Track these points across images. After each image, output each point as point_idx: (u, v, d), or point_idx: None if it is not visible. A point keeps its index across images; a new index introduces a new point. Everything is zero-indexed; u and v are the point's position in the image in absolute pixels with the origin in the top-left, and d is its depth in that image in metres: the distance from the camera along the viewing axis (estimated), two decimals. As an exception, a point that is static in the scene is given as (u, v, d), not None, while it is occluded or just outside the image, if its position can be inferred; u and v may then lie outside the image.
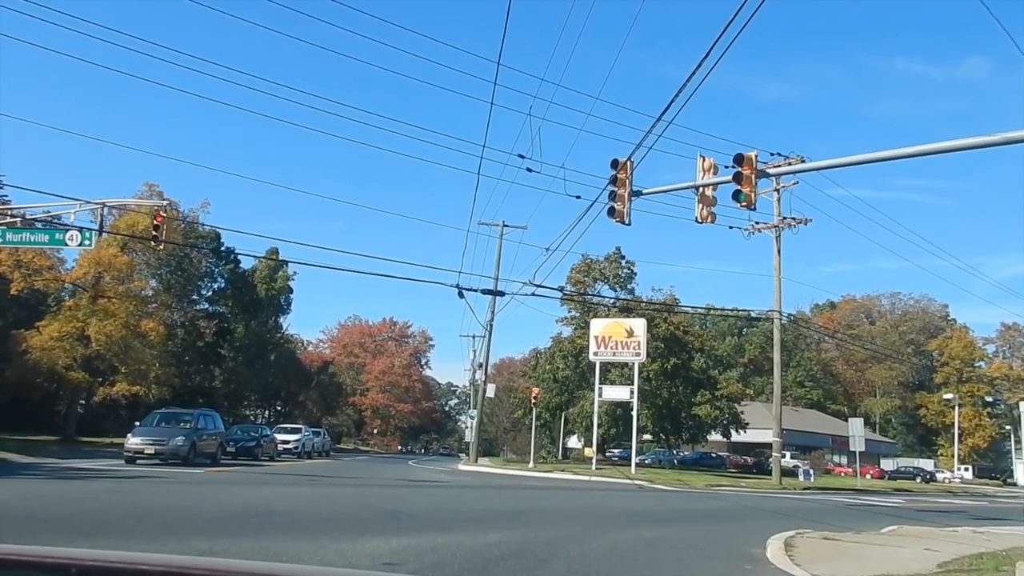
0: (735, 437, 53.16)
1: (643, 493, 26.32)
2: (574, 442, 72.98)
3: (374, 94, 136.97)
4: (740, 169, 16.83)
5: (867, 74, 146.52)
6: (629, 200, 18.95)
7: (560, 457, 61.81)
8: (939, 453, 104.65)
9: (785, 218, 36.46)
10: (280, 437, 41.07)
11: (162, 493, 14.57)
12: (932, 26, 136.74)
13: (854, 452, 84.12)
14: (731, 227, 37.53)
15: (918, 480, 75.08)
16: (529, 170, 26.10)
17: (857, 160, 18.20)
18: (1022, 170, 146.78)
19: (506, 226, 41.34)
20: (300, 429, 44.72)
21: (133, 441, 25.65)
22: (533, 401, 40.29)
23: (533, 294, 27.10)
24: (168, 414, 28.67)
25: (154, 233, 21.32)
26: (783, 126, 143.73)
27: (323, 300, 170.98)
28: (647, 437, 52.72)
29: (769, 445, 70.07)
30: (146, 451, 25.31)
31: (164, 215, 21.47)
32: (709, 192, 18.76)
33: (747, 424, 51.24)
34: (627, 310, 42.99)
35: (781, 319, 36.57)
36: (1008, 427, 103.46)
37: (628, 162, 18.99)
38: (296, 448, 41.57)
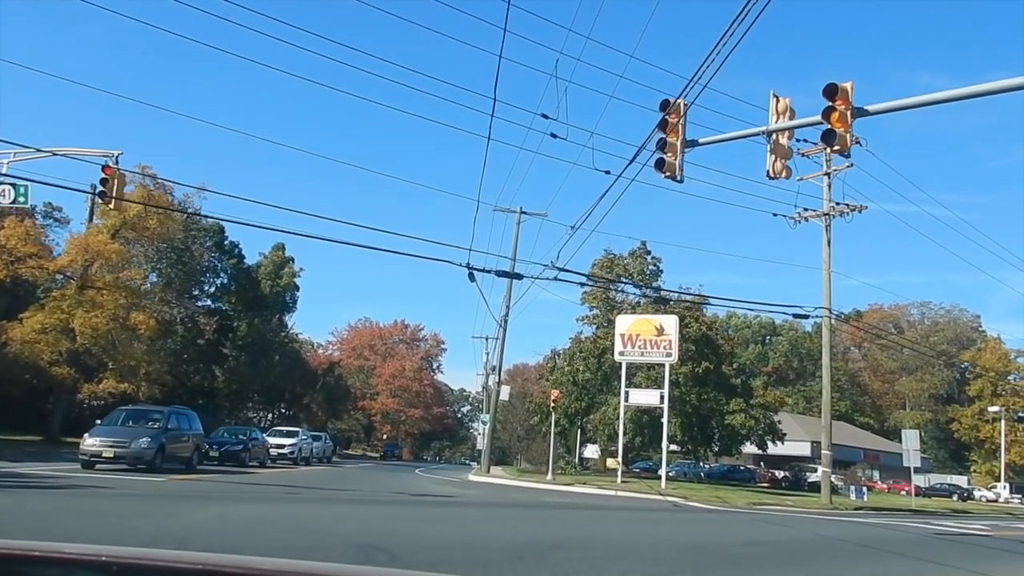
0: (763, 450, 48.89)
1: (683, 514, 22.51)
2: (591, 451, 69.03)
3: (377, 41, 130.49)
4: (832, 104, 13.08)
5: (891, 87, 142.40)
6: (682, 151, 15.22)
7: (578, 467, 58.04)
8: (972, 469, 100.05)
9: (838, 203, 32.60)
10: (273, 441, 37.51)
11: (59, 511, 10.89)
12: (956, 40, 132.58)
13: (887, 467, 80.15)
14: (775, 214, 33.98)
15: (954, 498, 71.38)
16: (554, 135, 22.43)
17: (949, 96, 14.53)
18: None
19: (524, 212, 37.68)
20: (297, 433, 41.11)
21: (90, 442, 21.93)
22: (552, 405, 36.53)
23: (556, 278, 23.40)
24: (135, 411, 24.93)
25: (102, 189, 17.72)
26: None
27: (334, 303, 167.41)
28: (674, 448, 48.86)
29: (801, 458, 66.43)
30: (104, 454, 21.64)
31: (113, 167, 17.87)
32: (784, 140, 15.01)
33: (784, 435, 47.12)
34: (663, 300, 39.05)
35: (831, 318, 32.69)
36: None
37: (680, 103, 15.27)
38: (292, 453, 37.99)
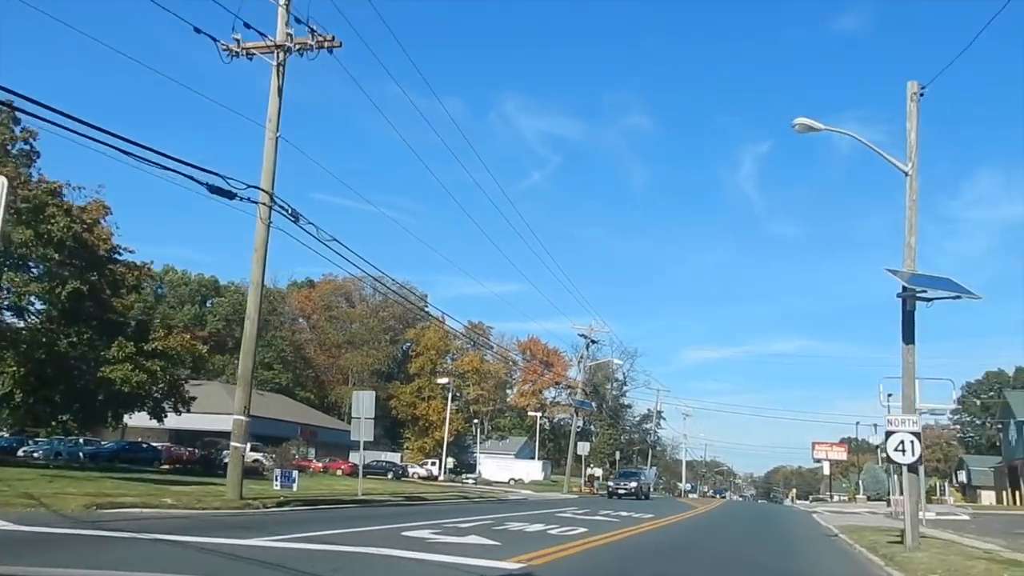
0: (173, 421, 33.92)
1: None
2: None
3: None
4: None
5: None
6: None
7: None
8: (405, 446, 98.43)
9: (302, 21, 20.73)
10: None
11: None
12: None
13: (325, 443, 72.05)
14: (198, 30, 20.72)
15: (390, 476, 66.22)
16: None
17: None
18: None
19: None
20: None
21: None
22: None
23: None
24: None
25: None
26: None
27: None
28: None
29: (226, 435, 53.89)
30: None
31: None
32: None
33: (193, 399, 33.28)
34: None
35: (272, 206, 20.61)
36: (476, 421, 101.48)
37: None
38: None
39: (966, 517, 37.88)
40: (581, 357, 55.83)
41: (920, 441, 15.74)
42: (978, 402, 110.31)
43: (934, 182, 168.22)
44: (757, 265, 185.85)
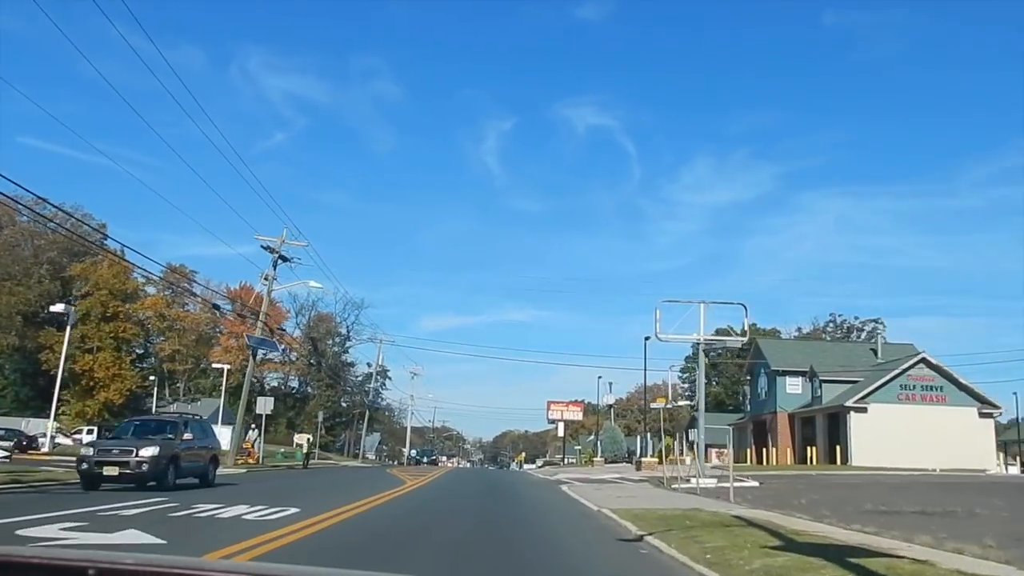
0: None
1: None
2: None
3: None
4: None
5: None
6: None
7: None
8: (62, 411, 77.65)
9: None
10: None
11: None
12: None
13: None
14: None
15: (11, 446, 48.43)
16: None
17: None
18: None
19: None
20: None
21: None
22: None
23: None
24: None
25: None
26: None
27: None
28: None
29: None
30: None
31: None
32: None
33: None
34: None
35: None
36: (153, 378, 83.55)
37: None
38: None
39: (755, 484, 28.96)
40: (266, 277, 41.49)
41: None
42: (707, 360, 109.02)
43: (657, 168, 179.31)
44: (496, 236, 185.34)
